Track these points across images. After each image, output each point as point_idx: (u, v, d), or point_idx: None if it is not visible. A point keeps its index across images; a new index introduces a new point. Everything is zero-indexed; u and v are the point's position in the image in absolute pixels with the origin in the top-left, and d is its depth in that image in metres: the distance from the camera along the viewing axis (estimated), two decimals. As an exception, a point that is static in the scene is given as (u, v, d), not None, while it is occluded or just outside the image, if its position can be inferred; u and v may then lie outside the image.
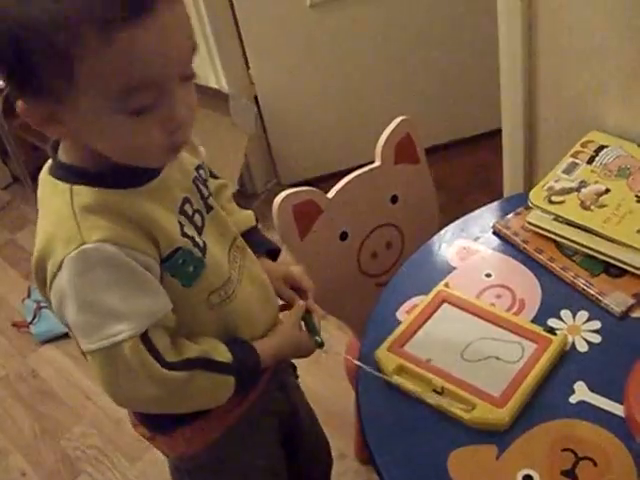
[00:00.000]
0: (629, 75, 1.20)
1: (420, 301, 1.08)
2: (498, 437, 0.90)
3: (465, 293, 1.08)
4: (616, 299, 1.04)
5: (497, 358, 0.98)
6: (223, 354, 0.87)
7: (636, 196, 1.14)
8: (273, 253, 1.08)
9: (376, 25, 2.21)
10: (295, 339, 0.98)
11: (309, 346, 0.99)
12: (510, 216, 1.20)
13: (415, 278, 1.13)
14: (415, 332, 1.03)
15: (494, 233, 1.19)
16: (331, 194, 1.28)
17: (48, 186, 0.82)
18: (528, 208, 1.18)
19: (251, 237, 1.03)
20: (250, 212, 1.08)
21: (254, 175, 2.49)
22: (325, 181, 1.33)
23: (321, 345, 0.99)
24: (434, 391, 0.95)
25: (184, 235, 0.84)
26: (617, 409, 0.91)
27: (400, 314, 1.09)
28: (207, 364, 0.85)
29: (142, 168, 0.81)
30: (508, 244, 1.17)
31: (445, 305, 1.07)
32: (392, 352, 1.00)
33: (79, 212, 0.77)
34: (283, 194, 1.22)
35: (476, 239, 1.20)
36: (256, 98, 2.34)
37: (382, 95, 2.31)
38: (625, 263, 1.07)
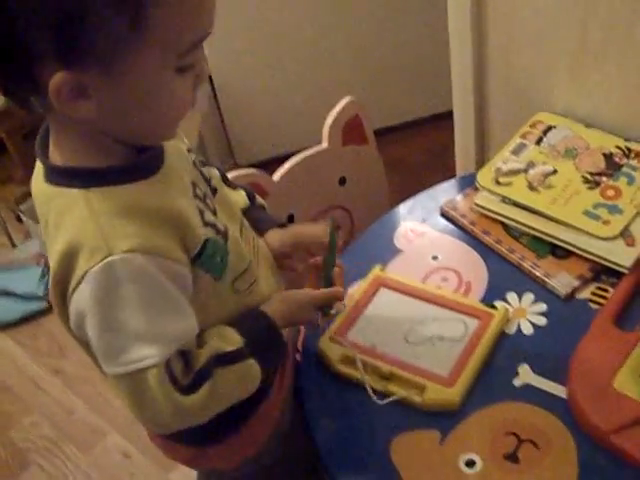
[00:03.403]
0: (577, 57, 1.19)
1: (357, 287, 1.06)
2: (441, 422, 0.89)
3: (411, 276, 1.07)
4: (561, 281, 1.03)
5: (441, 337, 0.97)
6: (232, 340, 0.78)
7: (583, 177, 1.14)
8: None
9: (328, 6, 2.19)
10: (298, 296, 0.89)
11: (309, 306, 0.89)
12: (458, 197, 1.19)
13: (360, 261, 1.11)
14: (355, 319, 1.01)
15: (442, 215, 1.18)
16: (276, 177, 1.26)
17: (56, 198, 0.71)
18: (476, 189, 1.17)
19: (252, 214, 0.96)
20: (242, 191, 0.98)
21: (210, 156, 2.44)
22: (284, 162, 1.30)
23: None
24: (382, 377, 0.93)
25: (206, 224, 0.76)
26: (560, 391, 0.91)
27: (346, 298, 1.06)
28: (220, 360, 0.75)
29: (147, 156, 0.74)
30: (455, 226, 1.16)
31: (382, 289, 1.05)
32: (335, 341, 0.98)
33: (103, 219, 0.68)
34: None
35: (423, 221, 1.18)
36: (210, 77, 2.29)
37: (338, 77, 2.28)
38: (571, 244, 1.06)
